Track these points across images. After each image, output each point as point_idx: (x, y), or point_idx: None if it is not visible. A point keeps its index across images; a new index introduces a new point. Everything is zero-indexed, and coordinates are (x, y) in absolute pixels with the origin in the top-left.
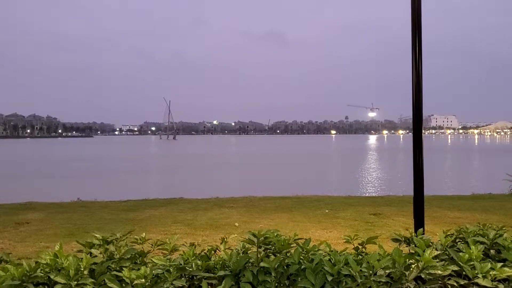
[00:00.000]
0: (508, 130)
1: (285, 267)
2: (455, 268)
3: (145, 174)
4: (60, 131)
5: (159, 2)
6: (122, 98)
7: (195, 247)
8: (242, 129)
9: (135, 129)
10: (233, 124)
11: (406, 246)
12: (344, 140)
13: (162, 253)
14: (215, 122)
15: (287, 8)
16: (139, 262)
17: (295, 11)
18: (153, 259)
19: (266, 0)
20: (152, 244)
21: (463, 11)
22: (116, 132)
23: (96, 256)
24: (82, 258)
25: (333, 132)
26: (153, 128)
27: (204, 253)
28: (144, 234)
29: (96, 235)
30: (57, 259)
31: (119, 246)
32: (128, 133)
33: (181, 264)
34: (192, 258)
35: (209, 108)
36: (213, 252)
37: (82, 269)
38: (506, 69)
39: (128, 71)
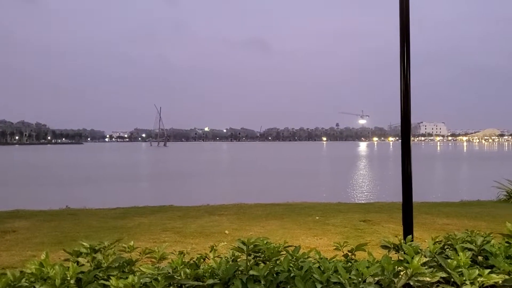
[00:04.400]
0: (496, 137)
1: (275, 275)
2: (444, 275)
3: (135, 181)
4: (49, 138)
5: (136, 9)
6: (113, 105)
7: (184, 255)
8: (234, 135)
9: (126, 135)
10: (224, 130)
11: (395, 253)
12: (335, 147)
13: (150, 261)
14: (206, 128)
15: (273, 17)
16: (127, 271)
17: (282, 20)
18: (141, 268)
19: (249, 8)
20: (140, 253)
21: (451, 21)
22: (106, 139)
23: (83, 265)
24: (68, 267)
25: (324, 139)
26: (144, 135)
27: (193, 261)
28: (132, 242)
29: (84, 244)
30: (43, 268)
31: (107, 254)
32: (118, 139)
33: (169, 273)
34: (181, 267)
35: (201, 115)
36: (202, 260)
37: (69, 278)
38: (493, 78)
39: (117, 77)
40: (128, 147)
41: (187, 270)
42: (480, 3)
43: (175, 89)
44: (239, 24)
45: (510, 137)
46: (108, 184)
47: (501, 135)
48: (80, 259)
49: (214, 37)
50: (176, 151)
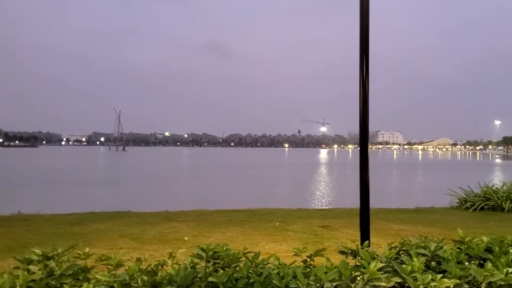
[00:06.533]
0: (450, 147)
1: (234, 282)
2: (399, 280)
3: (92, 186)
4: (1, 140)
5: (93, 11)
6: (70, 107)
7: (141, 262)
8: (196, 141)
9: (83, 139)
10: (186, 136)
11: (353, 259)
12: (296, 153)
13: (106, 268)
14: (167, 133)
15: (234, 22)
16: (81, 279)
17: (243, 26)
18: (96, 275)
19: (207, 13)
20: (96, 260)
21: (403, 32)
22: (63, 142)
23: (34, 272)
24: (18, 275)
25: (286, 145)
26: (102, 139)
27: (151, 268)
28: (87, 249)
29: (35, 250)
30: None
31: (61, 261)
32: (75, 143)
33: (126, 280)
34: (138, 274)
35: (161, 119)
36: (160, 267)
37: (18, 287)
38: (446, 90)
39: (74, 79)
40: (85, 151)
41: (144, 277)
42: (434, 15)
43: (134, 93)
44: (198, 29)
45: (463, 146)
46: (64, 189)
47: (454, 145)
48: (31, 266)
49: (173, 40)
50: (134, 155)
